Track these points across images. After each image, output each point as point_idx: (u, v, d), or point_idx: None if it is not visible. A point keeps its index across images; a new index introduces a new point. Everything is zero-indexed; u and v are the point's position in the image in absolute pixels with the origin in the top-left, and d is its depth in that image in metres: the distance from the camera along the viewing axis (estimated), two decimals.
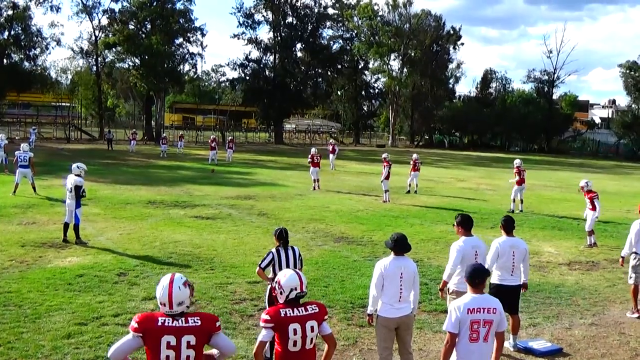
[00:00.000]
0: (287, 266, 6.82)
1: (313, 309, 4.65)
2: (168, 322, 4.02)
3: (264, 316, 4.60)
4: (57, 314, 8.35)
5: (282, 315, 4.56)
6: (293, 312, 4.57)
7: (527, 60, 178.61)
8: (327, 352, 4.80)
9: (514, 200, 19.98)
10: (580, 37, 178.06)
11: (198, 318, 4.11)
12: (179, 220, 16.08)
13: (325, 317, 4.73)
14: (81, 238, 12.92)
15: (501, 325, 5.09)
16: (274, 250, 7.09)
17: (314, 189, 23.81)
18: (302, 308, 4.63)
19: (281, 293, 4.66)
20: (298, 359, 4.61)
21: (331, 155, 34.38)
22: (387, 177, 21.19)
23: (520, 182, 19.95)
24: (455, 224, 7.55)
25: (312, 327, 4.59)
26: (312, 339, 4.63)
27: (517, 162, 20.71)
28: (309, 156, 24.87)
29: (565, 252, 13.92)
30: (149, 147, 50.89)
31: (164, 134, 49.50)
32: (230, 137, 45.16)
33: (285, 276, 4.70)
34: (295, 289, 4.64)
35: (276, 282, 4.72)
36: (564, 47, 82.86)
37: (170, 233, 14.30)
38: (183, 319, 4.06)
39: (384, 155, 22.41)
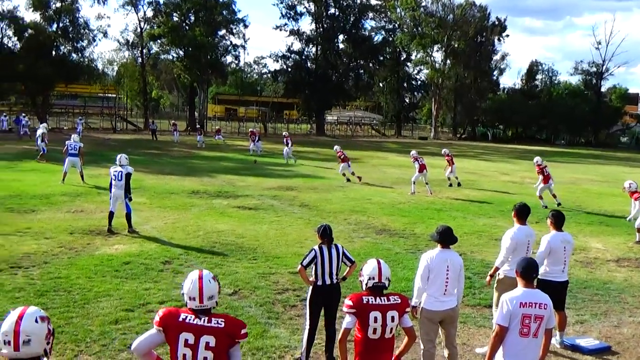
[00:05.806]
0: (330, 265, 6.65)
1: (395, 300, 4.79)
2: (190, 320, 3.82)
3: (347, 302, 4.75)
4: (105, 300, 8.54)
5: (365, 302, 4.70)
6: (375, 300, 4.72)
7: (573, 51, 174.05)
8: (406, 344, 4.91)
9: (541, 197, 18.93)
10: (629, 27, 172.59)
11: (223, 320, 3.86)
12: (222, 210, 16.25)
13: (407, 309, 4.87)
14: (133, 227, 13.08)
15: (550, 322, 4.98)
16: (316, 247, 6.76)
17: (348, 180, 23.80)
18: (385, 297, 4.76)
19: (361, 281, 4.88)
20: (376, 346, 4.70)
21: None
22: (420, 170, 21.13)
23: (547, 179, 18.87)
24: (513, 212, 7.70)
25: (392, 317, 4.70)
26: (391, 329, 4.73)
27: (537, 159, 19.79)
28: (337, 153, 24.81)
29: (614, 249, 13.57)
30: (192, 137, 51.52)
31: (198, 126, 51.29)
32: (251, 130, 44.88)
33: (368, 264, 4.90)
34: (373, 278, 4.81)
35: (360, 269, 4.97)
36: (613, 38, 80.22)
37: (214, 223, 14.46)
38: (207, 318, 3.84)
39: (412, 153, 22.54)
